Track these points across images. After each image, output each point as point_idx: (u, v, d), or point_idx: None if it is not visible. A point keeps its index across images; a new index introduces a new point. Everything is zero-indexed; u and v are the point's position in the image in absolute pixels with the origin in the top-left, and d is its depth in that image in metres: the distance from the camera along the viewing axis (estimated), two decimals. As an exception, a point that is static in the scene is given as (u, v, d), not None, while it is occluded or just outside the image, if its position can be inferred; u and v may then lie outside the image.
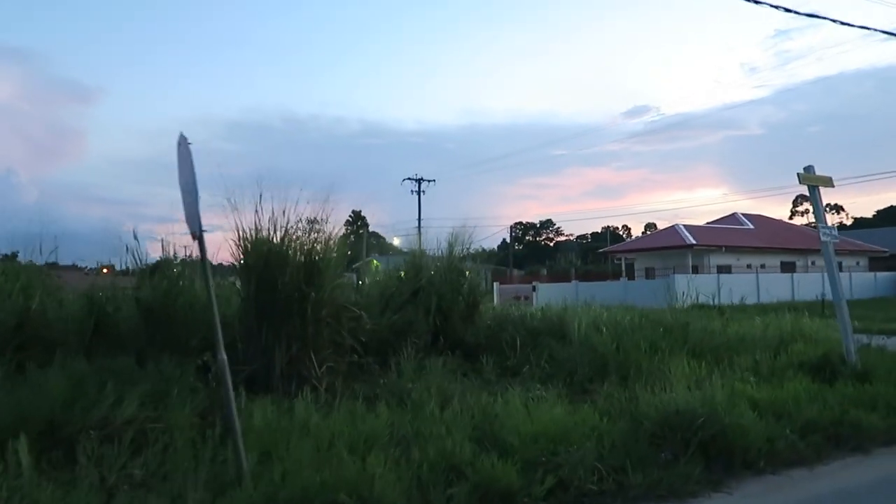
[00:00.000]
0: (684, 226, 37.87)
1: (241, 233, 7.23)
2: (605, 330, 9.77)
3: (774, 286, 34.86)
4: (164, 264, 8.33)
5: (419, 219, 46.34)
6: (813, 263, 42.40)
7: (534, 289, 40.46)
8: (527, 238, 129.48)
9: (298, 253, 7.21)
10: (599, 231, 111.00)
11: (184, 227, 4.91)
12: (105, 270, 9.26)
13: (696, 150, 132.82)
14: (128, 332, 7.80)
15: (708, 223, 45.06)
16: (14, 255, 9.15)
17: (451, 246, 11.09)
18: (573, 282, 39.99)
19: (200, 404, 5.68)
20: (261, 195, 7.27)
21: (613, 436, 5.12)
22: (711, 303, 32.41)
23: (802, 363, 8.11)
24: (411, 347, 9.03)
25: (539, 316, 11.04)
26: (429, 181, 47.16)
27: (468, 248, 13.30)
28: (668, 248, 36.83)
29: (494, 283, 45.27)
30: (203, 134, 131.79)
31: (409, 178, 46.40)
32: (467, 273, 10.59)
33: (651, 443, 5.11)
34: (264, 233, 7.27)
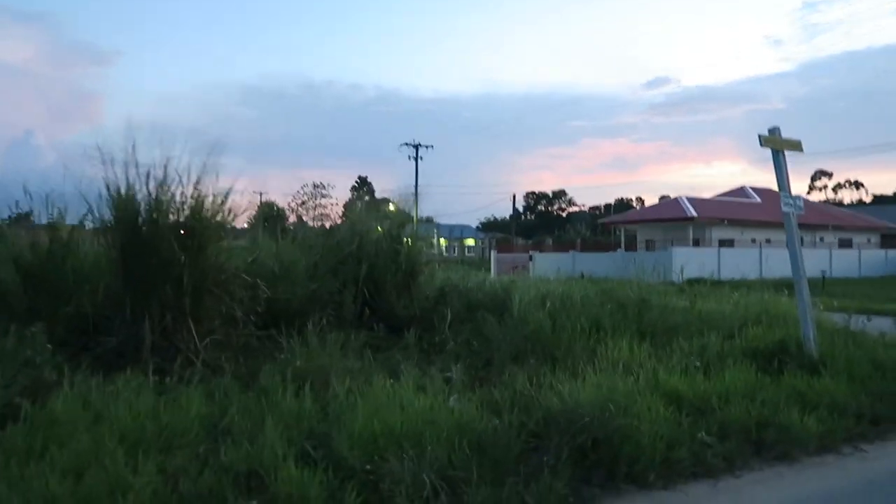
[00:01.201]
0: (687, 198, 36.56)
1: (110, 189, 6.37)
2: (548, 305, 8.89)
3: (778, 261, 33.60)
4: (55, 225, 7.52)
5: (416, 185, 45.43)
6: (821, 239, 41.03)
7: (530, 258, 39.57)
8: (539, 208, 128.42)
9: (173, 214, 6.34)
10: (613, 203, 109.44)
11: None
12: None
13: (716, 124, 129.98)
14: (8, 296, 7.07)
15: (716, 196, 43.67)
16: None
17: (390, 212, 10.21)
18: (570, 252, 39.00)
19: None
20: (134, 145, 6.39)
21: (486, 435, 4.27)
22: (710, 277, 31.43)
23: (756, 349, 7.19)
24: (326, 320, 8.25)
25: (485, 288, 10.16)
26: (426, 147, 46.01)
27: (418, 216, 12.46)
28: (670, 220, 35.62)
29: (492, 252, 44.40)
30: (219, 98, 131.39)
31: (406, 144, 45.29)
32: (406, 240, 9.68)
33: (532, 445, 4.26)
34: (138, 190, 6.39)
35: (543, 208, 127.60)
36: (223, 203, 6.66)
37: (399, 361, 7.03)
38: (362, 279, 8.96)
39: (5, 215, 8.95)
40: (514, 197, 54.96)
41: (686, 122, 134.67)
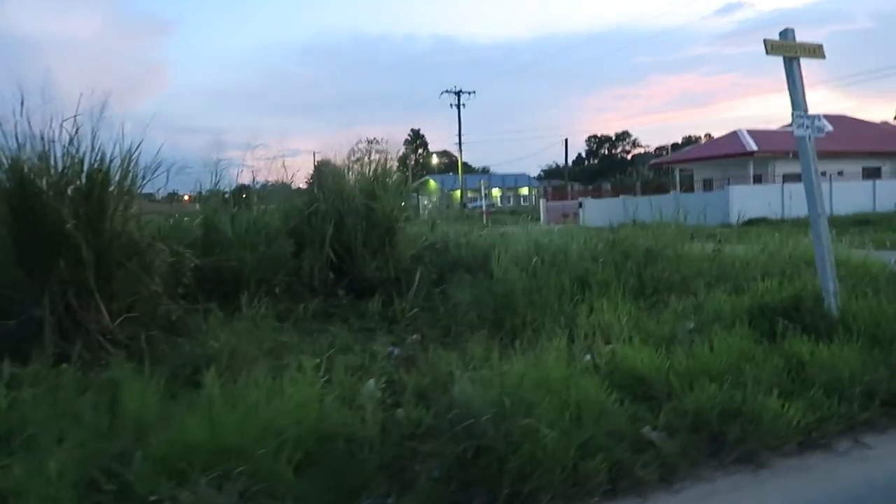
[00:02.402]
0: (747, 130, 33.72)
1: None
2: (535, 261, 7.81)
3: (851, 196, 30.85)
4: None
5: (459, 133, 43.93)
6: (903, 168, 37.45)
7: (580, 206, 37.90)
8: (601, 151, 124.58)
9: (64, 178, 5.59)
10: (680, 142, 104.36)
11: None
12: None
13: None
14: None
15: (781, 128, 40.35)
16: None
17: (365, 162, 9.25)
18: (621, 197, 37.03)
19: None
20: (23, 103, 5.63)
21: (353, 440, 3.38)
22: (773, 218, 29.09)
23: (765, 306, 5.94)
24: (281, 288, 7.49)
25: (471, 242, 9.15)
26: (469, 93, 44.25)
27: (401, 164, 11.50)
28: (727, 157, 33.05)
29: (541, 201, 42.84)
30: (278, 59, 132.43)
31: (447, 91, 43.67)
32: (379, 194, 8.72)
33: (409, 453, 3.35)
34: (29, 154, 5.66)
35: (606, 152, 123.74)
36: (128, 165, 5.86)
37: (341, 335, 6.20)
38: (328, 240, 8.11)
39: None
40: (567, 142, 52.73)
41: (761, 50, 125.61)
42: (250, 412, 3.48)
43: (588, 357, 4.63)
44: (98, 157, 5.70)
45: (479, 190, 61.72)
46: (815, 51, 5.92)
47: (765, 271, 7.77)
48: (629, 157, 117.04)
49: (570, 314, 6.29)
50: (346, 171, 9.78)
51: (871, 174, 34.87)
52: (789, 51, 5.75)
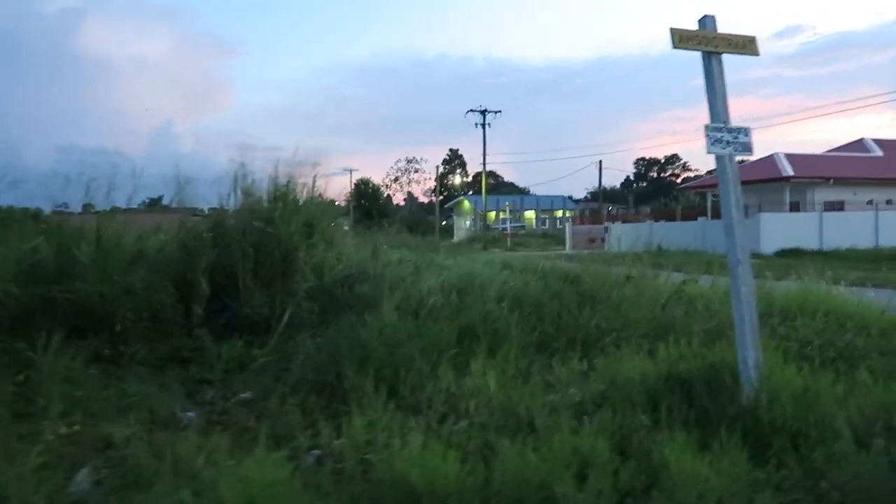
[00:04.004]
0: (785, 154, 31.44)
1: None
2: (432, 302, 6.53)
3: (900, 226, 28.32)
4: None
5: (484, 153, 42.72)
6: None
7: (605, 230, 36.15)
8: (650, 175, 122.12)
9: None
10: (741, 165, 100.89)
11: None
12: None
13: (859, 72, 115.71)
14: None
15: (828, 151, 37.80)
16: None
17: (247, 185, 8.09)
18: (647, 222, 35.15)
19: None
20: None
21: None
22: (808, 248, 26.82)
23: (675, 376, 4.52)
24: (127, 324, 6.40)
25: (386, 275, 7.89)
26: (495, 112, 43.02)
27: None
28: (761, 182, 30.84)
29: (567, 225, 41.18)
30: (335, 81, 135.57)
31: (472, 111, 42.57)
32: (276, 216, 7.57)
33: None
34: None
35: (655, 175, 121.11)
36: None
37: (139, 390, 5.03)
38: (203, 270, 7.00)
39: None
40: (601, 163, 50.76)
41: (823, 73, 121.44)
42: None
43: (312, 457, 3.35)
44: None
45: (507, 211, 60.40)
46: (744, 45, 4.53)
47: (718, 323, 6.29)
48: (679, 180, 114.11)
49: (432, 374, 4.99)
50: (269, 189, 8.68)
51: (926, 204, 32.10)
52: (706, 44, 4.38)
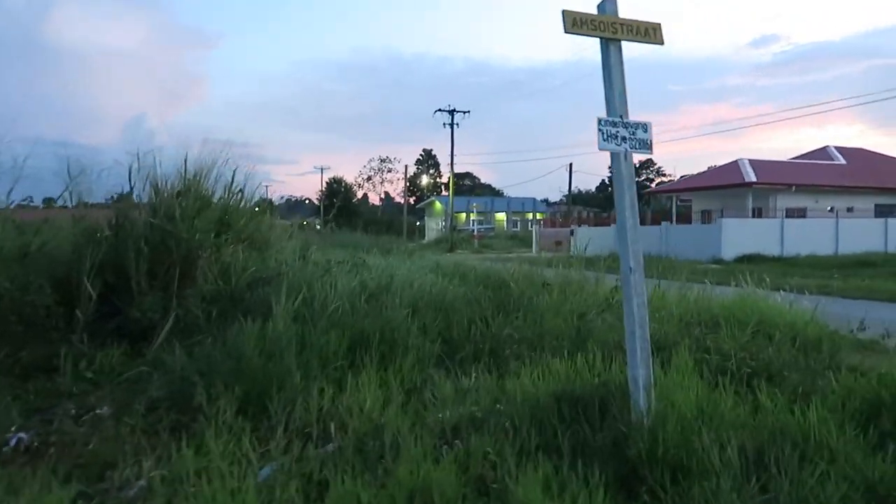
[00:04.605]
0: (749, 160, 31.48)
1: None
2: (332, 308, 6.04)
3: (859, 234, 28.45)
4: None
5: (452, 153, 42.28)
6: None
7: (571, 233, 35.89)
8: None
9: None
10: (706, 171, 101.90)
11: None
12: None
13: (832, 83, 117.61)
14: None
15: (793, 158, 38.04)
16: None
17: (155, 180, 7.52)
18: (612, 226, 34.97)
19: None
20: None
21: None
22: (769, 254, 26.81)
23: (569, 395, 4.09)
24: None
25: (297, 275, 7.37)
26: (463, 112, 42.59)
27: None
28: (724, 187, 30.83)
29: (535, 228, 40.92)
30: (315, 76, 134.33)
31: (440, 110, 42.04)
32: (175, 214, 7.02)
33: None
34: None
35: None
36: None
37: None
38: (90, 269, 6.44)
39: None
40: (571, 166, 50.66)
41: (797, 82, 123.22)
42: None
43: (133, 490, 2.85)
44: None
45: (476, 213, 60.15)
46: (648, 32, 4.12)
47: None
48: (653, 185, 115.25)
49: (310, 390, 4.50)
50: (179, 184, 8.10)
51: (885, 212, 32.38)
52: (604, 29, 3.96)
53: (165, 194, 7.29)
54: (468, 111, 42.02)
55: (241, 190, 9.08)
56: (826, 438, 3.42)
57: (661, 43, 4.15)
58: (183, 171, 7.63)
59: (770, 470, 3.14)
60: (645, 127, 3.99)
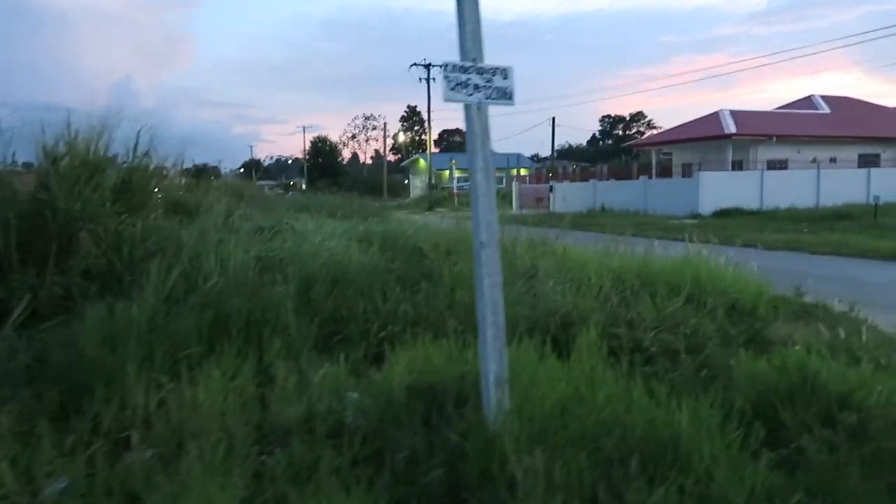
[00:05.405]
0: (730, 111, 30.62)
1: None
2: (214, 282, 5.44)
3: (841, 185, 27.85)
4: None
5: (428, 109, 41.16)
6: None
7: (550, 190, 35.23)
8: (615, 132, 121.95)
9: None
10: (688, 123, 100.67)
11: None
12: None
13: (828, 31, 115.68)
14: None
15: (778, 108, 37.16)
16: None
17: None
18: (591, 181, 34.33)
19: None
20: None
21: None
22: (749, 208, 26.25)
23: (425, 387, 3.54)
24: None
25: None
26: (441, 66, 41.16)
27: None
28: (704, 139, 30.05)
29: (514, 184, 40.20)
30: (303, 34, 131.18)
31: (415, 64, 40.70)
32: (52, 183, 6.33)
33: None
34: None
35: (621, 132, 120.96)
36: None
37: None
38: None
39: None
40: (553, 120, 49.44)
41: (792, 30, 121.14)
42: None
43: None
44: None
45: (461, 170, 58.93)
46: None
47: (551, 308, 5.34)
48: (643, 137, 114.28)
49: (138, 388, 3.93)
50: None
51: (869, 162, 31.75)
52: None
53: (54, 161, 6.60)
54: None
55: (147, 153, 8.41)
56: (698, 443, 2.88)
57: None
58: (68, 132, 6.92)
59: (616, 489, 2.61)
60: (505, 72, 3.33)
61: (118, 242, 6.80)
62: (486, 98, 3.27)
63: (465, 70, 3.24)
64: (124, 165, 8.01)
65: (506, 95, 3.33)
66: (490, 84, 3.29)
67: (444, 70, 3.21)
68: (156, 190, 8.50)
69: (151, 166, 8.44)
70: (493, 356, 3.15)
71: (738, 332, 5.33)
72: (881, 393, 3.50)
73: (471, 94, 3.23)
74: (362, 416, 3.44)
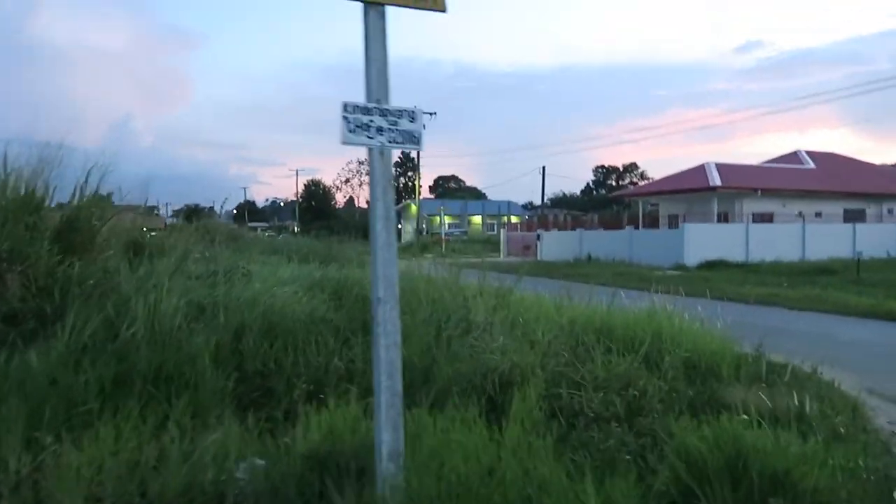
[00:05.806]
0: (716, 164, 30.79)
1: None
2: (133, 331, 5.09)
3: (827, 240, 27.79)
4: None
5: (417, 157, 41.32)
6: (890, 212, 34.38)
7: (538, 238, 35.11)
8: (608, 182, 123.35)
9: None
10: (674, 175, 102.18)
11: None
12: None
13: (815, 89, 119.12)
14: None
15: (764, 162, 37.46)
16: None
17: None
18: (577, 230, 34.28)
19: None
20: None
21: None
22: (733, 260, 26.09)
23: (316, 458, 3.19)
24: None
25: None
26: (429, 114, 41.68)
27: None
28: (689, 191, 30.12)
29: (502, 231, 40.11)
30: (303, 78, 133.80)
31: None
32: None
33: None
34: None
35: (614, 182, 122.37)
36: None
37: None
38: None
39: None
40: (544, 169, 49.73)
41: (781, 87, 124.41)
42: None
43: None
44: None
45: (452, 216, 59.31)
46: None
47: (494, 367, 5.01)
48: (632, 188, 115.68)
49: (19, 448, 3.56)
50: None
51: (854, 217, 31.83)
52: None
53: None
54: (434, 112, 41.19)
55: (98, 193, 8.14)
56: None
57: (443, 9, 3.26)
58: (4, 167, 6.66)
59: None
60: (412, 115, 3.10)
61: (51, 285, 6.47)
62: (390, 142, 3.03)
63: (367, 111, 3.00)
64: (72, 204, 7.73)
65: (413, 140, 3.09)
66: (395, 127, 3.05)
67: (344, 110, 2.96)
68: (104, 230, 8.19)
69: (105, 205, 8.16)
70: (387, 426, 2.82)
71: (693, 393, 5.00)
72: (831, 466, 3.18)
73: (372, 138, 2.99)
74: (251, 488, 3.08)
